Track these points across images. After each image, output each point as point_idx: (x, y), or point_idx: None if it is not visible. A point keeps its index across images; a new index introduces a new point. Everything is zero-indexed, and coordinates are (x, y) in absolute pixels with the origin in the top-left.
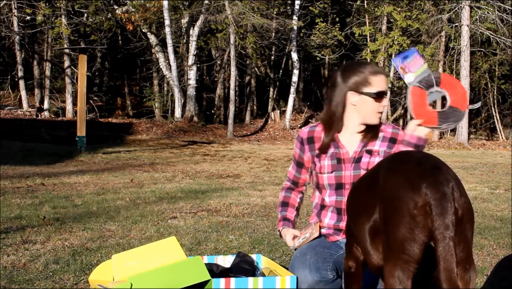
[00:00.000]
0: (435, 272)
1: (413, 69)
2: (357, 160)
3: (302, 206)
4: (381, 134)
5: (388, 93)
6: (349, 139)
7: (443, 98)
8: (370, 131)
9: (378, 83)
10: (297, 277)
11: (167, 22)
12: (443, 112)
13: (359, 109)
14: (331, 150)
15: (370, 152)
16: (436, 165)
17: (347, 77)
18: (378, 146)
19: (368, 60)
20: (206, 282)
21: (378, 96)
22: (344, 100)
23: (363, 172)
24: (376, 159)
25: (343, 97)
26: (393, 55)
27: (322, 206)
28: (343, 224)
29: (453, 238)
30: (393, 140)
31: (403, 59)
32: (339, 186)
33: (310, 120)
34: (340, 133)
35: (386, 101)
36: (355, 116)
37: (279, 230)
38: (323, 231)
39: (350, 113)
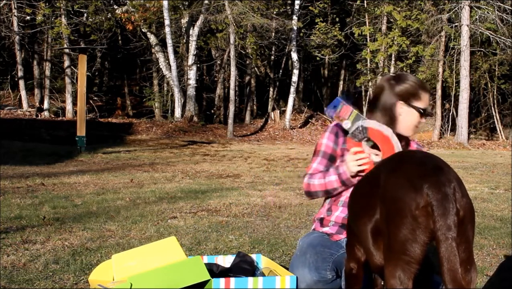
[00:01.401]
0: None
1: (346, 116)
2: None
3: (302, 206)
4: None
5: None
6: None
7: None
8: (402, 141)
9: (426, 99)
10: (297, 277)
11: (167, 22)
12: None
13: (402, 119)
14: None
15: None
16: (438, 165)
17: (399, 86)
18: None
19: (368, 60)
20: (206, 282)
21: (423, 112)
22: (392, 108)
23: None
24: None
25: (392, 106)
26: (393, 55)
27: (337, 202)
28: None
29: (455, 238)
30: None
31: (333, 109)
32: None
33: (310, 120)
34: None
35: (424, 118)
36: (394, 124)
37: (340, 176)
38: (328, 229)
39: (396, 122)
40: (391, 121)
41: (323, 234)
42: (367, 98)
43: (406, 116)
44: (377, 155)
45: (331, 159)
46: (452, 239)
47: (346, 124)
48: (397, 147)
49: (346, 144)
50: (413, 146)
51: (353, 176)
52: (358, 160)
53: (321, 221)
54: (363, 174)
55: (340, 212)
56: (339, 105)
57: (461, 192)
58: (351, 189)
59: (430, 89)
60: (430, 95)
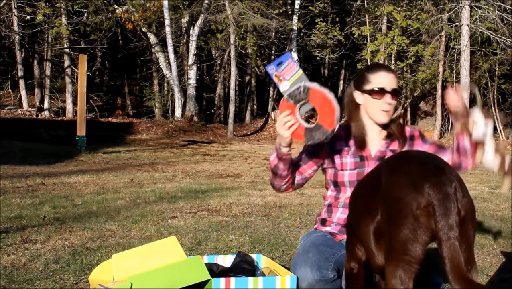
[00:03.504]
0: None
1: (288, 76)
2: (381, 159)
3: (302, 206)
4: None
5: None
6: (372, 138)
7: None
8: (389, 130)
9: (377, 79)
10: (297, 277)
11: (167, 21)
12: (311, 129)
13: (365, 108)
14: (353, 148)
15: (393, 152)
16: (439, 165)
17: (354, 78)
18: (401, 147)
19: (368, 60)
20: (206, 282)
21: (376, 93)
22: (352, 100)
23: None
24: None
25: (351, 97)
26: (393, 55)
27: (336, 203)
28: None
29: (457, 238)
30: (411, 138)
31: (277, 66)
32: None
33: (310, 119)
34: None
35: (389, 98)
36: (365, 116)
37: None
38: (330, 229)
39: (362, 112)
40: (355, 112)
41: (325, 234)
42: None
43: (366, 103)
44: (308, 123)
45: (310, 155)
46: (455, 239)
47: (284, 86)
48: (338, 113)
49: (279, 110)
50: (408, 130)
51: (286, 146)
52: (287, 123)
53: (323, 221)
54: (295, 139)
55: (341, 213)
56: (285, 62)
57: (462, 191)
58: (349, 192)
59: (385, 67)
60: (387, 72)
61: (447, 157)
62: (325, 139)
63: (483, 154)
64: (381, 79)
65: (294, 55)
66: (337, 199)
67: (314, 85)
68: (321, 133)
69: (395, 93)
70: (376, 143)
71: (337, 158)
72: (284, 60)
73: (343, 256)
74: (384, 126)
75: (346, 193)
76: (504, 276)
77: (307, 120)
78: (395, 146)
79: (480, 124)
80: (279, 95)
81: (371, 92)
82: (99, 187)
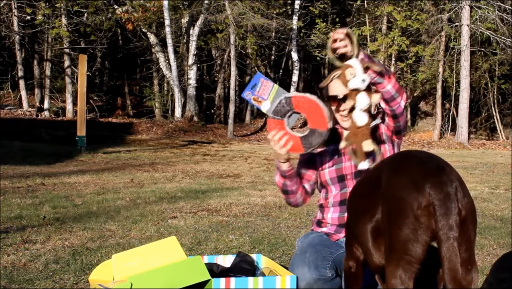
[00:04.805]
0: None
1: (265, 95)
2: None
3: (302, 206)
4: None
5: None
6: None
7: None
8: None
9: (332, 87)
10: (297, 277)
11: (167, 22)
12: (306, 136)
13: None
14: (332, 147)
15: None
16: (440, 165)
17: None
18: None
19: None
20: (206, 282)
21: (330, 100)
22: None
23: None
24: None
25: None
26: (393, 55)
27: (326, 203)
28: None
29: (457, 238)
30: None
31: (252, 90)
32: (341, 178)
33: (302, 128)
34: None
35: (342, 105)
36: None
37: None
38: (326, 229)
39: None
40: (331, 113)
41: (322, 234)
42: None
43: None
44: (299, 132)
45: (307, 162)
46: (454, 239)
47: (265, 106)
48: (326, 111)
49: (267, 129)
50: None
51: (285, 161)
52: (279, 140)
53: (318, 223)
54: (292, 154)
55: (332, 213)
56: (258, 82)
57: (463, 192)
58: (334, 190)
59: (340, 75)
60: (339, 80)
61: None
62: (323, 140)
63: (354, 103)
64: (334, 87)
65: (294, 55)
66: (326, 199)
67: (295, 94)
68: (317, 136)
69: (345, 100)
70: None
71: (318, 159)
72: (257, 81)
73: (341, 255)
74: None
75: (333, 192)
76: (502, 276)
77: (301, 127)
78: None
79: (358, 76)
80: None
81: (328, 99)
82: (99, 187)
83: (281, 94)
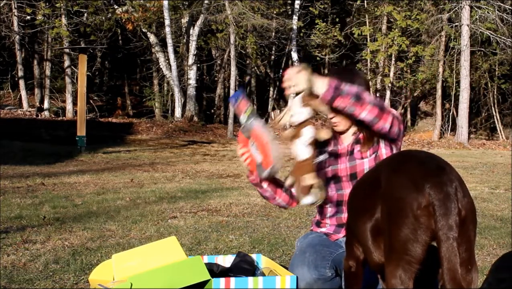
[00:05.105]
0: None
1: (243, 111)
2: (351, 152)
3: (302, 206)
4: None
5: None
6: (346, 136)
7: None
8: (359, 128)
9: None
10: (297, 277)
11: (167, 22)
12: (258, 165)
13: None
14: (330, 148)
15: (358, 141)
16: (440, 165)
17: None
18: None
19: (368, 60)
20: (206, 282)
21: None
22: None
23: (358, 161)
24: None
25: None
26: (393, 55)
27: (323, 206)
28: (345, 216)
29: (456, 238)
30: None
31: (235, 101)
32: (336, 180)
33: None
34: (343, 134)
35: (329, 114)
36: None
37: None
38: (325, 230)
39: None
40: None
41: (321, 234)
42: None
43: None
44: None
45: None
46: (453, 239)
47: (242, 119)
48: (273, 155)
49: (238, 138)
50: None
51: (250, 174)
52: (241, 155)
53: (318, 223)
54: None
55: (331, 213)
56: (240, 98)
57: (463, 192)
58: (330, 190)
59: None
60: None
61: None
62: (265, 176)
63: (297, 138)
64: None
65: (294, 55)
66: (325, 204)
67: (256, 126)
68: (261, 170)
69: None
70: (348, 140)
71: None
72: (239, 96)
73: (340, 254)
74: (356, 126)
75: (329, 193)
76: (501, 276)
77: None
78: (360, 140)
79: (296, 112)
80: (279, 95)
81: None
82: (99, 187)
83: (251, 118)
